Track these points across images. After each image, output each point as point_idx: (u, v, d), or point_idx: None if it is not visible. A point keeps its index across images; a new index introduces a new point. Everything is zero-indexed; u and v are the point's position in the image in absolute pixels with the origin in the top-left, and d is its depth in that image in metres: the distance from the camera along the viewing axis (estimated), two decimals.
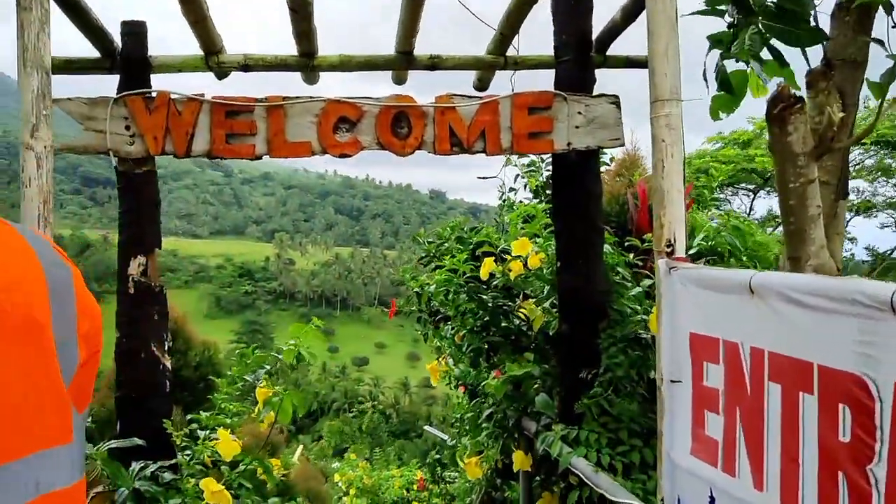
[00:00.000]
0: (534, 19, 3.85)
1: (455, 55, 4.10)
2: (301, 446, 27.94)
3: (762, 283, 1.65)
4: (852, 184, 14.36)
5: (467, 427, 4.46)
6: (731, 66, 2.32)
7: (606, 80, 4.06)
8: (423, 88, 3.71)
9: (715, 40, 2.24)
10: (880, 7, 2.06)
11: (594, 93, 3.65)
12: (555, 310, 3.93)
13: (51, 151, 2.78)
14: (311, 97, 3.56)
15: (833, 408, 1.44)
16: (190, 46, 3.94)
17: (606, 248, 3.88)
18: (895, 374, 1.32)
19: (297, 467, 9.31)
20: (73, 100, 3.47)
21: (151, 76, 3.70)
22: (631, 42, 4.02)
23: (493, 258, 4.27)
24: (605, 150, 4.48)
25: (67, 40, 4.06)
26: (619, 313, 3.67)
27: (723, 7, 2.21)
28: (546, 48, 3.93)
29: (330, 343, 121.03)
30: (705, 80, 2.35)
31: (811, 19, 2.12)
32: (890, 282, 1.37)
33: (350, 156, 3.57)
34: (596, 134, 3.60)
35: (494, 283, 4.32)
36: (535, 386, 3.99)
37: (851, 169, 13.53)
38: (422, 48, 3.99)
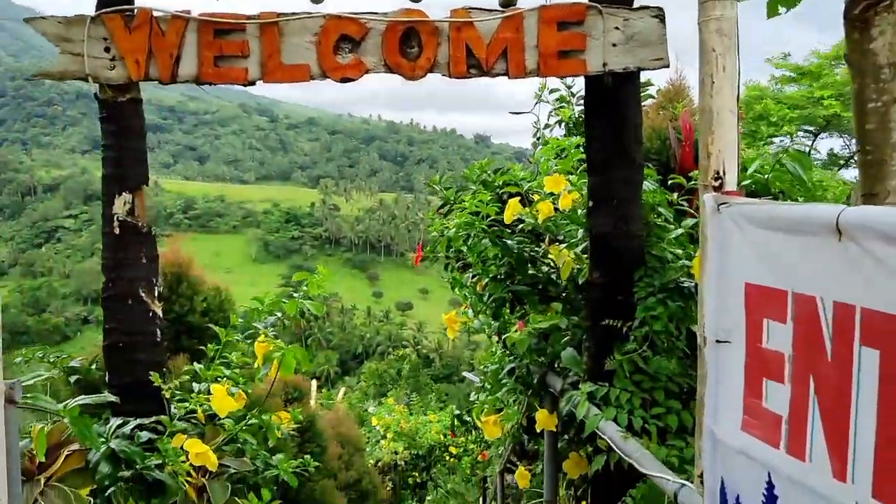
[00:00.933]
0: None
1: None
2: (344, 388, 28.45)
3: (856, 221, 1.24)
4: None
5: (489, 382, 4.12)
6: None
7: None
8: (437, 1, 3.26)
9: None
10: None
11: (634, 5, 3.19)
12: (586, 256, 3.54)
13: None
14: (308, 13, 3.16)
15: None
16: None
17: (646, 185, 3.44)
18: None
19: (326, 413, 9.22)
20: (48, 19, 3.17)
21: None
22: None
23: (520, 199, 3.86)
24: (646, 73, 3.97)
25: None
26: (658, 259, 3.30)
27: None
28: None
29: (374, 288, 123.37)
30: None
31: None
32: None
33: (353, 80, 3.18)
34: (636, 53, 3.15)
35: (520, 227, 3.92)
36: (563, 340, 3.63)
37: None
38: None
